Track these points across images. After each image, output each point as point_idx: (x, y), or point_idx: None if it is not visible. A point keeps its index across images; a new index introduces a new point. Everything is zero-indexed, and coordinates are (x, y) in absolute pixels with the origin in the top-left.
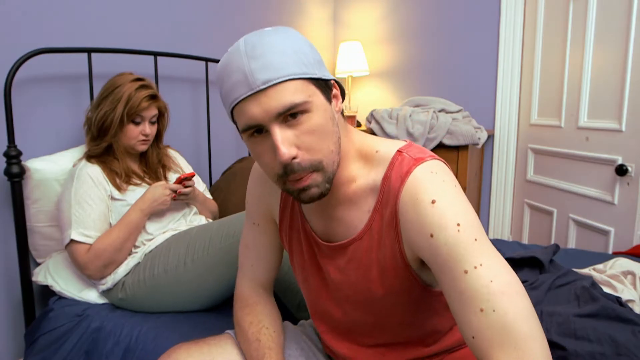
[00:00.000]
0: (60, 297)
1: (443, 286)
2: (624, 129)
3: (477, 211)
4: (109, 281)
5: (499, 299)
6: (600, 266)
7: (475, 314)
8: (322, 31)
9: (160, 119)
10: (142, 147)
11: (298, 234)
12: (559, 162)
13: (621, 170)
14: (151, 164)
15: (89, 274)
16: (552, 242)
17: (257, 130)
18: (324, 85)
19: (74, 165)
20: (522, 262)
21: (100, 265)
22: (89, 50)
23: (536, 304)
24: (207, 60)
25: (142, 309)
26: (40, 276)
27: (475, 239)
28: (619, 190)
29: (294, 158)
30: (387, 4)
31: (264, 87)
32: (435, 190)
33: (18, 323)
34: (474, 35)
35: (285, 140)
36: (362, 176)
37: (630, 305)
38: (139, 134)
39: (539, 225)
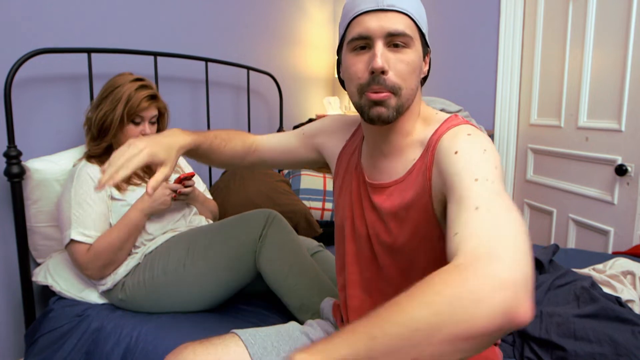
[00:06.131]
0: (61, 298)
1: (450, 198)
2: (623, 129)
3: None
4: (109, 282)
5: (498, 204)
6: (600, 266)
7: (468, 210)
8: (322, 31)
9: (160, 119)
10: None
11: (351, 175)
12: (559, 162)
13: (621, 170)
14: None
15: (89, 274)
16: (552, 242)
17: (362, 47)
18: (424, 42)
19: (74, 166)
20: None
21: (100, 265)
22: (89, 50)
23: (536, 304)
24: (207, 60)
25: (142, 310)
26: (40, 276)
27: (496, 167)
28: (618, 190)
29: (383, 72)
30: None
31: (387, 8)
32: (474, 132)
33: (18, 323)
34: (474, 35)
35: (383, 55)
36: (418, 131)
37: (630, 305)
38: (138, 134)
39: (539, 225)
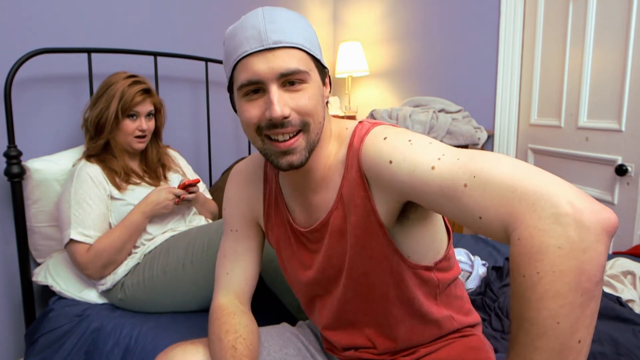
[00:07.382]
0: (61, 297)
1: (427, 201)
2: (623, 129)
3: None
4: (109, 281)
5: (473, 165)
6: None
7: (464, 192)
8: (322, 31)
9: (157, 116)
10: (139, 145)
11: (284, 228)
12: (559, 162)
13: (621, 170)
14: (151, 163)
15: (89, 274)
16: None
17: (254, 90)
18: (321, 68)
19: (73, 165)
20: None
21: (100, 265)
22: (89, 50)
23: None
24: (207, 60)
25: (142, 310)
26: (40, 276)
27: (430, 142)
28: (618, 190)
29: (285, 117)
30: (387, 4)
31: (274, 46)
32: (388, 132)
33: (18, 323)
34: (474, 35)
35: (281, 99)
36: (334, 153)
37: (630, 305)
38: (135, 129)
39: None
